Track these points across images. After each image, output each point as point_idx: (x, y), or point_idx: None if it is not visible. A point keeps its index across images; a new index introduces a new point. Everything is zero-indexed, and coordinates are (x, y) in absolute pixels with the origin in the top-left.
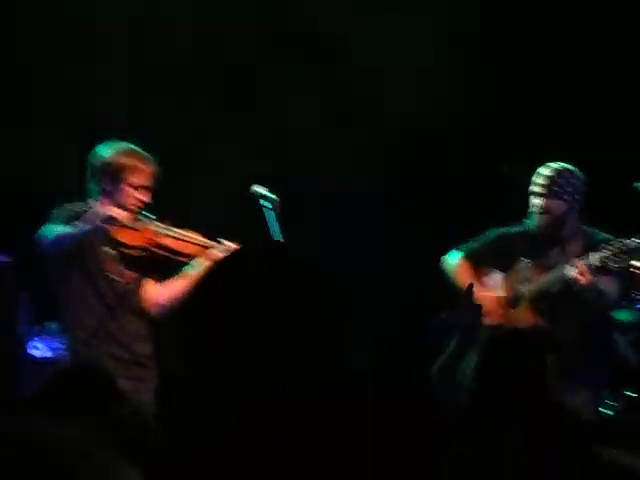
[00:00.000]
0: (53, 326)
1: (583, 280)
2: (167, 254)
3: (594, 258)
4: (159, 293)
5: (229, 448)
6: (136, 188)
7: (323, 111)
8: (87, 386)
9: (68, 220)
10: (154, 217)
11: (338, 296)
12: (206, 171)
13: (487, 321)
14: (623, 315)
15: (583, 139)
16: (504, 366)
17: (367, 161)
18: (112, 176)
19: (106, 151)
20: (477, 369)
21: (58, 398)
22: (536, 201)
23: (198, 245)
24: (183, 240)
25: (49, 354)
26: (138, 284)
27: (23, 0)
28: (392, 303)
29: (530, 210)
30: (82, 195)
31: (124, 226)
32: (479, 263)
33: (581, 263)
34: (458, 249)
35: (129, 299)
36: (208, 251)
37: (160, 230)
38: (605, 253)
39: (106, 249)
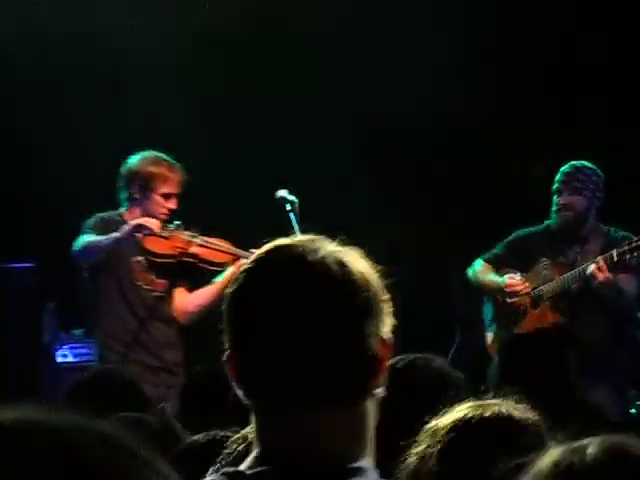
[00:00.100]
0: (79, 333)
1: (601, 276)
2: (196, 262)
3: (612, 253)
4: (188, 301)
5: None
6: (165, 197)
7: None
8: (111, 390)
9: (101, 229)
10: (182, 225)
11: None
12: (231, 177)
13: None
14: None
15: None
16: (523, 365)
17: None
18: (141, 185)
19: (135, 160)
20: (498, 368)
21: (82, 401)
22: (558, 198)
23: (227, 254)
24: (212, 249)
25: (75, 361)
26: (168, 292)
27: None
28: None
29: (552, 209)
30: (111, 203)
31: (154, 235)
32: (500, 267)
33: (599, 258)
34: (480, 257)
35: (159, 308)
36: (238, 261)
37: (189, 239)
38: (623, 248)
39: (137, 258)
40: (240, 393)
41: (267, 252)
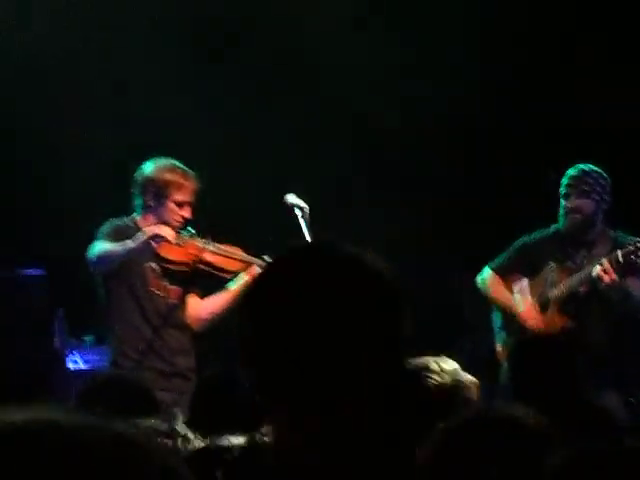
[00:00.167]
0: (90, 339)
1: (607, 278)
2: (210, 270)
3: (617, 254)
4: (202, 308)
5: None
6: (179, 204)
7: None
8: (122, 394)
9: (115, 236)
10: (195, 232)
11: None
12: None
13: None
14: None
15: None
16: (532, 370)
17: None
18: (156, 192)
19: (150, 167)
20: (507, 373)
21: (93, 405)
22: (566, 202)
23: (241, 261)
24: (225, 256)
25: (86, 367)
26: (182, 299)
27: None
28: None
29: (560, 212)
30: (123, 209)
31: (168, 242)
32: (508, 274)
33: (604, 260)
34: (488, 265)
35: (172, 315)
36: (251, 268)
37: (203, 246)
38: (628, 249)
39: (150, 264)
40: (260, 398)
41: (286, 257)
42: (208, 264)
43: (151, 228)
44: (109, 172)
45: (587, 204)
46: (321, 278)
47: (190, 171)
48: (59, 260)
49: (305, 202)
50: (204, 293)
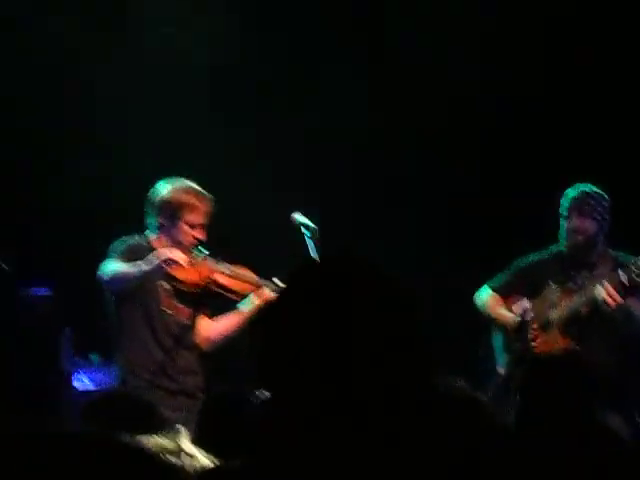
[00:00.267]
0: (95, 358)
1: (611, 301)
2: (220, 291)
3: (620, 275)
4: (211, 329)
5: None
6: (192, 226)
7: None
8: (126, 410)
9: (128, 255)
10: (208, 253)
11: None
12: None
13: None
14: None
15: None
16: (542, 390)
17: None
18: (170, 213)
19: (165, 188)
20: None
21: (98, 421)
22: (567, 223)
23: (251, 284)
24: (236, 278)
25: (92, 386)
26: (191, 319)
27: None
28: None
29: (561, 233)
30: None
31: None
32: (508, 294)
33: (606, 283)
34: (487, 284)
35: (182, 335)
36: (260, 290)
37: (215, 267)
38: (631, 269)
39: (162, 283)
40: (278, 413)
41: (304, 277)
42: (219, 285)
43: (164, 251)
44: (114, 191)
45: (590, 225)
46: (339, 296)
47: (205, 193)
48: (65, 279)
49: (311, 203)
50: (213, 312)
